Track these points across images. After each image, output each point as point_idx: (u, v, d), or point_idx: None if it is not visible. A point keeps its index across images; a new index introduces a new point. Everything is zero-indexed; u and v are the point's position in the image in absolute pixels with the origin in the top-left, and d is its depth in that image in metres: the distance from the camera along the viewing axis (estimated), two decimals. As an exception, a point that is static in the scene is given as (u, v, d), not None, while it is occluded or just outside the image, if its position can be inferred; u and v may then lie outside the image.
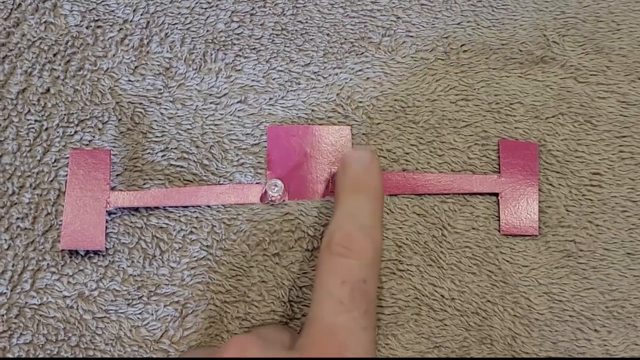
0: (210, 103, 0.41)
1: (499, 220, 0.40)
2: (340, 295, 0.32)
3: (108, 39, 0.42)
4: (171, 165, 0.40)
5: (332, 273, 0.33)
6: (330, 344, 0.31)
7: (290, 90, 0.42)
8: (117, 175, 0.40)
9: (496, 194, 0.40)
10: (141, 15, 0.42)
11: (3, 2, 0.42)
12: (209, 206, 0.40)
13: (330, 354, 0.31)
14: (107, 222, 0.39)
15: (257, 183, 0.40)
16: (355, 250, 0.33)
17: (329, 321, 0.32)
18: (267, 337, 0.34)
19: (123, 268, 0.39)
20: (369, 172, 0.36)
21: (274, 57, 0.42)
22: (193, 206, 0.40)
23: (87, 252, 0.39)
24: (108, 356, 0.38)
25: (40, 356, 0.38)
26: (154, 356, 0.38)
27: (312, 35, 0.42)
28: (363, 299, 0.32)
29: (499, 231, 0.40)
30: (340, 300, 0.32)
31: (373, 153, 0.37)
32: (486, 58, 0.42)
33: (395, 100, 0.42)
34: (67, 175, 0.40)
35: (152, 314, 0.39)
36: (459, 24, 0.43)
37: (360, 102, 0.41)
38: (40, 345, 0.38)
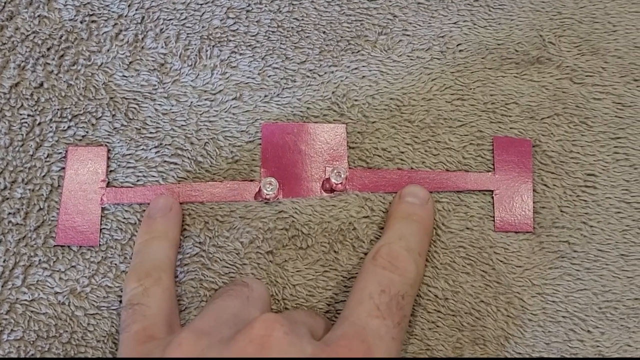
0: (205, 100, 0.41)
1: (493, 220, 0.40)
2: (378, 302, 0.33)
3: (102, 33, 0.42)
4: (165, 162, 0.40)
5: (374, 281, 0.34)
6: (358, 343, 0.32)
7: (286, 88, 0.41)
8: (111, 171, 0.40)
9: (491, 192, 0.40)
10: (136, 10, 0.42)
11: (-3, -5, 0.42)
12: (202, 202, 0.40)
13: (357, 353, 0.31)
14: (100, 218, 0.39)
15: (251, 180, 0.40)
16: (400, 268, 0.35)
17: (362, 322, 0.33)
18: (297, 321, 0.34)
19: (116, 264, 0.39)
20: (424, 207, 0.38)
21: (270, 54, 0.42)
22: (186, 202, 0.40)
23: (80, 248, 0.39)
24: (99, 354, 0.38)
25: (30, 353, 0.38)
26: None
27: (308, 33, 0.42)
28: (398, 312, 0.33)
29: (493, 231, 0.40)
30: (377, 306, 0.33)
31: (430, 194, 0.39)
32: (482, 58, 0.42)
33: (391, 99, 0.41)
34: (60, 170, 0.40)
35: (145, 311, 0.38)
36: (455, 23, 0.43)
37: (356, 100, 0.41)
38: (31, 342, 0.38)
